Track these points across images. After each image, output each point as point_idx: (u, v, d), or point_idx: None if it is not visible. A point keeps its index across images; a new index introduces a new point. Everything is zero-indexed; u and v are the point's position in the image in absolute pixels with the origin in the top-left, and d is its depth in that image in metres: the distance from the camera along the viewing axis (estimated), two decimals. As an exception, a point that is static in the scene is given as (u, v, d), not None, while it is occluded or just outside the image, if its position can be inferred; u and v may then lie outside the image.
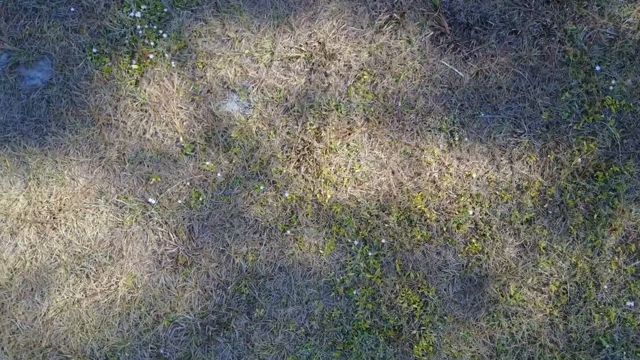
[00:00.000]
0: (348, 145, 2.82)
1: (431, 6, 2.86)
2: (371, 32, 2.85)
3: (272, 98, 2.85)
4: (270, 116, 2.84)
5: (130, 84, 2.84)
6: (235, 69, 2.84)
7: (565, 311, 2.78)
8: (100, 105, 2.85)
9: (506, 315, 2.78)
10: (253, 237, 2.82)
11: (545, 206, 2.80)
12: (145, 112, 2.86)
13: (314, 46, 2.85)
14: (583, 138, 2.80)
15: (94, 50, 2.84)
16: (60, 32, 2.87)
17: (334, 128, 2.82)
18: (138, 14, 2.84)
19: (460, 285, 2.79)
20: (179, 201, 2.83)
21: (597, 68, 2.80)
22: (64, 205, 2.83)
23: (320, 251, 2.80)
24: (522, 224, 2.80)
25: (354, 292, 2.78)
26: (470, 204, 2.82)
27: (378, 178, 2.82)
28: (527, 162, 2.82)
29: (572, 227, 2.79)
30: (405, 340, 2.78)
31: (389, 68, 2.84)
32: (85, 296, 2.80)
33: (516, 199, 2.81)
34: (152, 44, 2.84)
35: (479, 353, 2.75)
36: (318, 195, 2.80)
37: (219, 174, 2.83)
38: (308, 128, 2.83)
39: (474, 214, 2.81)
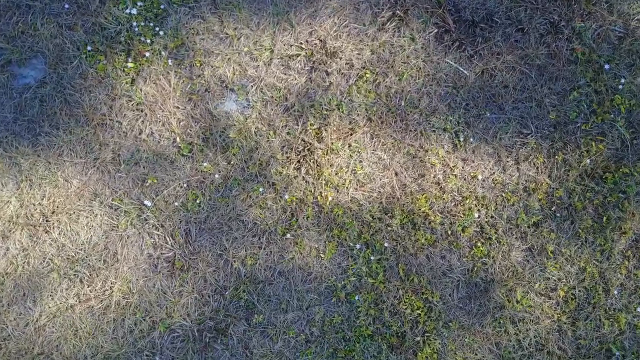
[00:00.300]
0: (350, 145, 2.80)
1: (435, 3, 2.84)
2: (373, 29, 2.82)
3: (272, 97, 2.82)
4: (270, 116, 2.82)
5: (126, 82, 2.81)
6: (233, 68, 2.81)
7: (574, 317, 2.77)
8: (94, 105, 2.82)
9: (513, 322, 2.77)
10: (252, 241, 2.79)
11: (552, 209, 2.79)
12: (141, 111, 2.83)
13: (315, 44, 2.83)
14: (592, 138, 2.78)
15: (89, 48, 2.81)
16: (54, 29, 2.82)
17: (335, 128, 2.80)
18: (134, 11, 2.80)
19: (465, 291, 2.78)
20: (176, 203, 2.80)
21: (606, 66, 2.77)
22: (57, 207, 2.80)
23: (321, 255, 2.78)
24: (529, 227, 2.79)
25: (356, 298, 2.76)
26: (476, 206, 2.80)
27: (381, 180, 2.80)
28: (534, 164, 2.80)
29: (580, 231, 2.77)
30: (408, 347, 2.75)
31: (392, 66, 2.81)
32: (79, 301, 2.77)
33: (523, 201, 2.79)
34: (148, 41, 2.81)
35: (485, 360, 2.74)
36: (319, 197, 2.78)
37: (216, 176, 2.80)
38: (309, 128, 2.81)
39: (479, 216, 2.79)
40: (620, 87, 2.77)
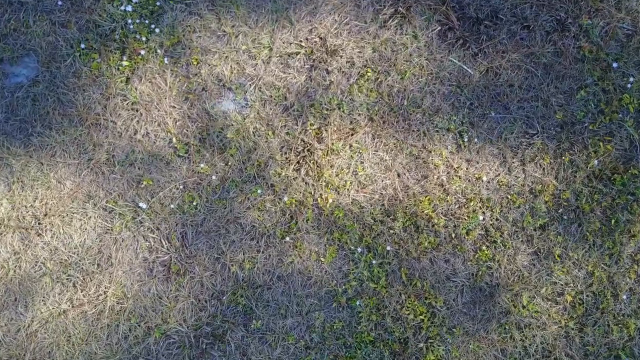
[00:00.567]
0: (351, 146, 2.78)
1: (438, 0, 2.81)
2: (375, 27, 2.80)
3: (271, 96, 2.80)
4: (269, 116, 2.80)
5: (121, 81, 2.79)
6: (231, 66, 2.79)
7: (582, 323, 2.75)
8: (88, 104, 2.80)
9: (519, 327, 2.75)
10: (250, 244, 2.77)
11: (559, 211, 2.76)
12: (137, 111, 2.81)
13: (315, 42, 2.81)
14: (599, 139, 2.75)
15: (82, 46, 2.78)
16: (46, 26, 2.80)
17: (335, 128, 2.77)
18: (129, 8, 2.77)
19: (469, 296, 2.76)
20: (172, 206, 2.78)
21: (614, 65, 2.74)
22: (50, 210, 2.78)
23: (322, 259, 2.76)
24: (535, 230, 2.76)
25: (357, 303, 2.74)
26: (481, 208, 2.77)
27: (382, 181, 2.78)
28: (540, 165, 2.77)
29: (588, 234, 2.74)
30: (411, 354, 2.73)
31: (394, 65, 2.79)
32: (72, 307, 2.76)
33: (529, 203, 2.76)
34: (143, 39, 2.78)
35: (490, 367, 2.73)
36: (319, 199, 2.76)
37: (214, 177, 2.78)
38: (308, 128, 2.78)
39: (484, 219, 2.76)
40: (629, 86, 2.73)
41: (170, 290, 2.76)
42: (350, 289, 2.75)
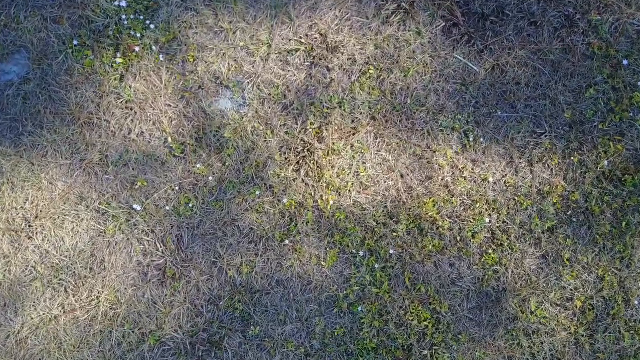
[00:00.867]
0: (352, 146, 2.76)
1: None
2: (377, 23, 2.79)
3: (270, 95, 2.79)
4: (267, 115, 2.78)
5: (115, 79, 2.78)
6: (229, 63, 2.79)
7: (592, 329, 2.72)
8: (81, 103, 2.79)
9: (527, 334, 2.72)
10: (248, 248, 2.75)
11: (568, 213, 2.74)
12: (131, 110, 2.79)
13: (315, 38, 2.79)
14: (609, 138, 2.73)
15: (75, 42, 2.77)
16: (38, 22, 2.80)
17: (336, 127, 2.76)
18: (123, 3, 2.77)
19: (475, 301, 2.73)
20: (167, 208, 2.76)
21: (625, 62, 2.73)
22: (41, 212, 2.76)
23: (322, 263, 2.73)
24: (543, 233, 2.74)
25: (359, 309, 2.72)
26: (487, 210, 2.75)
27: (385, 182, 2.76)
28: (548, 165, 2.76)
29: (598, 237, 2.72)
30: None
31: (397, 62, 2.78)
32: (64, 312, 2.74)
33: (537, 205, 2.74)
34: (138, 35, 2.77)
35: (497, 376, 2.72)
36: (319, 201, 2.73)
37: (210, 178, 2.76)
38: (308, 127, 2.77)
39: (490, 222, 2.74)
40: (640, 83, 2.74)
41: (166, 296, 2.74)
42: (352, 294, 2.72)
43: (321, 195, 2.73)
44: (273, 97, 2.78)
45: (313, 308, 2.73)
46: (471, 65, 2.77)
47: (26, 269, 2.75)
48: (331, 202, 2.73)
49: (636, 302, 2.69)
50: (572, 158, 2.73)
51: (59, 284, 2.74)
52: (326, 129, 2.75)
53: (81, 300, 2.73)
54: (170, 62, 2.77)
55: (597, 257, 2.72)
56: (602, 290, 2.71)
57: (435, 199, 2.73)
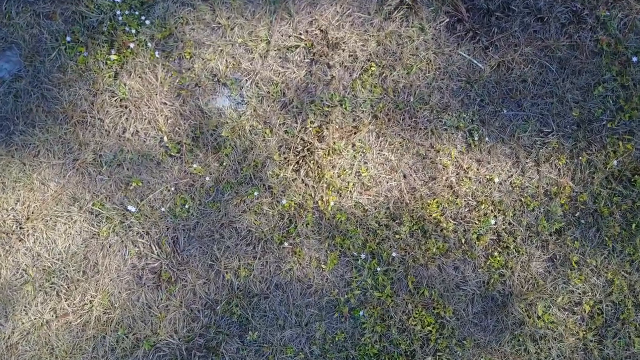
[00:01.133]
0: (353, 145, 2.75)
1: None
2: (379, 18, 2.78)
3: (268, 92, 2.78)
4: (266, 113, 2.76)
5: (109, 76, 2.77)
6: (226, 60, 2.78)
7: (601, 334, 2.70)
8: (74, 101, 2.77)
9: (533, 339, 2.70)
10: (246, 250, 2.72)
11: (576, 215, 2.72)
12: (125, 108, 2.78)
13: (315, 34, 2.79)
14: (618, 137, 2.72)
15: (68, 38, 2.77)
16: (30, 18, 2.80)
17: (337, 126, 2.74)
18: None
19: (481, 305, 2.71)
20: (163, 209, 2.74)
21: (634, 59, 2.72)
22: (33, 213, 2.74)
23: (322, 266, 2.71)
24: (550, 235, 2.73)
25: (361, 313, 2.70)
26: (492, 212, 2.73)
27: (387, 183, 2.74)
28: (555, 165, 2.74)
29: (607, 239, 2.71)
30: None
31: (400, 59, 2.76)
32: (56, 317, 2.71)
33: (544, 206, 2.72)
34: (133, 31, 2.76)
35: (503, 383, 2.70)
36: (320, 202, 2.71)
37: (207, 178, 2.74)
38: (308, 126, 2.75)
39: (496, 223, 2.72)
40: (650, 81, 2.74)
41: (161, 300, 2.71)
42: (353, 298, 2.70)
43: (321, 196, 2.71)
44: (272, 95, 2.76)
45: (313, 312, 2.70)
46: (476, 62, 2.76)
47: (17, 272, 2.72)
48: (332, 203, 2.71)
49: (647, 307, 2.69)
50: (580, 158, 2.72)
51: (50, 287, 2.71)
52: (326, 128, 2.73)
53: (74, 304, 2.70)
54: (166, 59, 2.76)
55: (606, 260, 2.69)
56: (612, 294, 2.69)
57: (439, 200, 2.71)
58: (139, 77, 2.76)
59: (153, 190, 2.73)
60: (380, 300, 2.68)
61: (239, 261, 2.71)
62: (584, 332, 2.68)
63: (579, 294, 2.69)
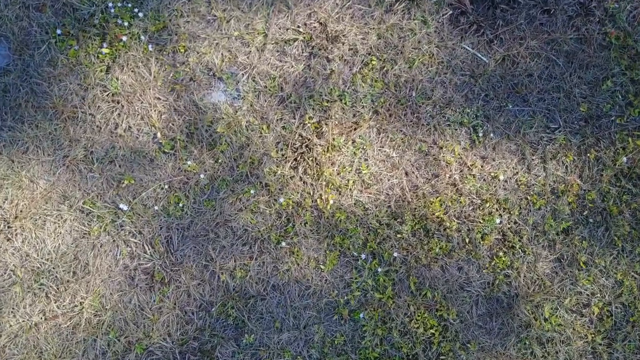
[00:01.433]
0: (354, 142, 2.73)
1: None
2: (380, 11, 2.75)
3: (265, 87, 2.75)
4: (263, 108, 2.74)
5: (100, 70, 2.74)
6: (222, 54, 2.75)
7: (610, 337, 2.69)
8: (65, 96, 2.74)
9: (540, 342, 2.68)
10: (242, 250, 2.70)
11: (584, 213, 2.71)
12: (118, 103, 2.75)
13: (314, 27, 2.75)
14: (628, 134, 2.72)
15: (59, 31, 2.73)
16: (19, 10, 2.75)
17: (337, 122, 2.72)
18: None
19: (485, 307, 2.70)
20: (156, 207, 2.71)
21: None
22: (21, 211, 2.70)
23: (321, 266, 2.69)
24: (557, 234, 2.71)
25: (361, 315, 2.68)
26: (497, 210, 2.71)
27: (389, 180, 2.72)
28: (563, 162, 2.73)
29: (616, 238, 2.69)
30: None
31: (402, 52, 2.73)
32: (45, 319, 2.68)
33: (551, 205, 2.71)
34: (125, 24, 2.72)
35: (509, 388, 2.67)
36: (318, 200, 2.68)
37: (202, 176, 2.72)
38: (307, 122, 2.72)
39: (501, 222, 2.70)
40: (660, 75, 2.72)
41: (154, 301, 2.68)
42: (353, 299, 2.67)
43: (320, 194, 2.68)
44: (269, 90, 2.74)
45: (311, 315, 2.68)
46: (480, 55, 2.74)
47: (4, 273, 2.68)
48: (331, 202, 2.69)
49: (657, 309, 2.66)
50: (588, 154, 2.71)
51: (39, 288, 2.67)
52: (326, 124, 2.70)
53: (63, 306, 2.67)
54: (160, 53, 2.73)
55: (615, 260, 2.68)
56: (621, 296, 2.67)
57: (442, 198, 2.69)
58: (132, 71, 2.72)
59: (146, 188, 2.70)
60: (381, 302, 2.66)
61: (234, 261, 2.68)
62: (593, 335, 2.66)
63: (587, 295, 2.67)
